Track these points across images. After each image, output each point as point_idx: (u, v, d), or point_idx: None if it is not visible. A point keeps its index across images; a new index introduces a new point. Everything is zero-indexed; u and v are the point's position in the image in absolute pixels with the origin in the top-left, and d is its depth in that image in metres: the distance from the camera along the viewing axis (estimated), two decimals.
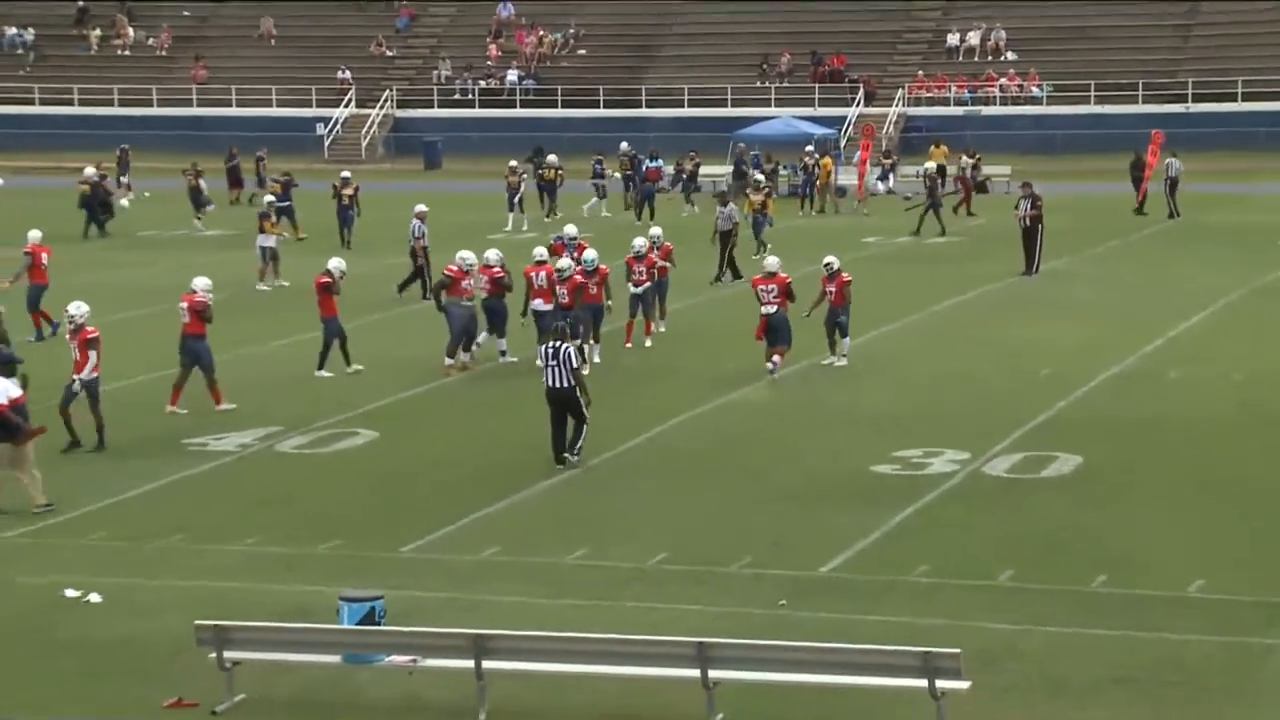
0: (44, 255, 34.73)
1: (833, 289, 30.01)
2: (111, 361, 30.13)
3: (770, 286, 29.35)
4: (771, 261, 30.04)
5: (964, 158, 58.35)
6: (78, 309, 25.32)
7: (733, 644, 15.41)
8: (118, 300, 37.90)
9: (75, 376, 24.90)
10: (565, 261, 30.59)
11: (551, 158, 57.11)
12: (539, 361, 24.92)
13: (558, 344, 23.92)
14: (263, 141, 66.06)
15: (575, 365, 23.93)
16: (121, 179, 62.96)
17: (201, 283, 28.43)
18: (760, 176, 50.57)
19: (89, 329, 25.10)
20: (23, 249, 35.14)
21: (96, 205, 52.01)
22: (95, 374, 24.96)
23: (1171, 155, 54.49)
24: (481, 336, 31.02)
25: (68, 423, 24.78)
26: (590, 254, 31.00)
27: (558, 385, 23.76)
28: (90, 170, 53.58)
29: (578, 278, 29.99)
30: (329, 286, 30.03)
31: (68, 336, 25.55)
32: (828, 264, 30.29)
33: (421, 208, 40.06)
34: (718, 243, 40.97)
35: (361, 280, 35.84)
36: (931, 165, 54.94)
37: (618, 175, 58.56)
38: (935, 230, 49.69)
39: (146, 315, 36.81)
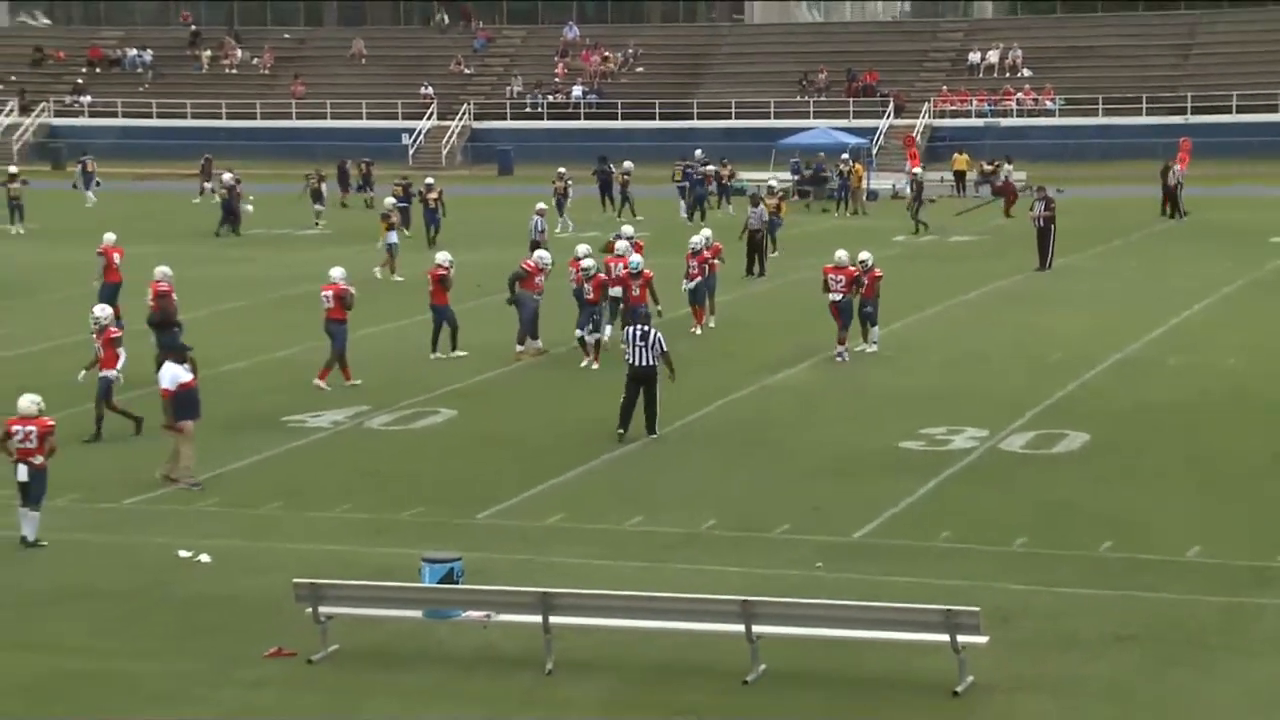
0: (116, 256, 33.90)
1: (865, 281, 29.94)
2: (217, 348, 30.41)
3: (839, 277, 29.49)
4: (842, 255, 30.08)
5: (1006, 164, 57.95)
6: (102, 311, 25.10)
7: (774, 602, 15.39)
8: (226, 292, 38.18)
9: (103, 372, 24.44)
10: (590, 261, 30.22)
11: (627, 164, 57.00)
12: (623, 343, 24.89)
13: (647, 328, 24.00)
14: (353, 150, 66.27)
15: (665, 349, 23.98)
16: (205, 185, 63.36)
17: (338, 272, 28.59)
18: (773, 183, 50.20)
19: (112, 329, 24.75)
20: (96, 250, 34.44)
21: (236, 206, 52.27)
22: (113, 371, 24.45)
23: (1166, 164, 54.15)
24: (607, 330, 30.94)
25: (123, 412, 24.45)
26: (635, 258, 30.31)
27: (642, 364, 23.81)
28: (228, 175, 53.74)
29: (602, 276, 29.74)
30: (444, 279, 30.15)
31: (93, 337, 24.97)
32: (862, 260, 30.18)
33: (541, 206, 40.33)
34: (746, 239, 40.84)
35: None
36: (917, 170, 54.44)
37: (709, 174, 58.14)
38: (922, 227, 49.48)
39: (250, 306, 37.05)
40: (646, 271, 30.05)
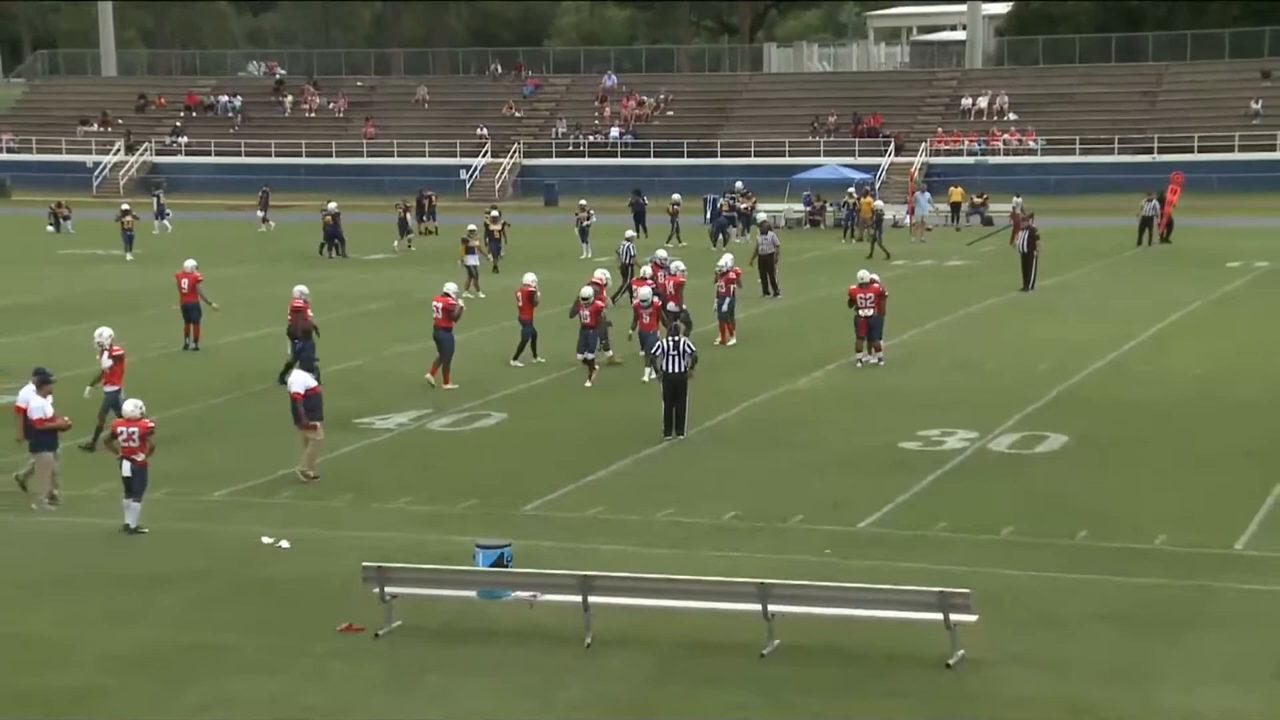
0: (184, 281, 32.94)
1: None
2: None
3: (868, 295, 29.41)
4: (864, 275, 30.03)
5: (1015, 198, 57.37)
6: (98, 334, 24.38)
7: (788, 584, 15.32)
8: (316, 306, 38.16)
9: (107, 387, 23.57)
10: (587, 290, 29.38)
11: (676, 196, 56.91)
12: (657, 350, 24.73)
13: (679, 338, 23.98)
14: (416, 185, 66.38)
15: (694, 351, 24.03)
16: (259, 213, 63.52)
17: (451, 287, 28.71)
18: (762, 216, 49.92)
19: (114, 348, 24.04)
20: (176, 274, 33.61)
21: (338, 232, 52.45)
22: (118, 386, 23.56)
23: (1146, 198, 53.76)
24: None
25: (100, 428, 23.18)
26: (644, 291, 29.60)
27: (675, 370, 23.78)
28: (333, 205, 53.84)
29: (599, 303, 29.05)
30: (533, 296, 30.13)
31: (98, 355, 24.28)
32: (871, 280, 30.10)
33: (631, 233, 40.33)
34: (757, 264, 40.53)
35: (506, 294, 35.63)
36: (880, 204, 53.73)
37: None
38: (881, 255, 48.84)
39: (325, 321, 36.94)
40: (656, 302, 29.40)
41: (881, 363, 29.78)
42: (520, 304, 30.39)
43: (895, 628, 14.98)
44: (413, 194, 62.23)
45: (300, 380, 21.87)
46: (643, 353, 28.70)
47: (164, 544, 19.03)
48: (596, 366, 28.67)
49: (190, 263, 33.76)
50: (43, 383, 20.77)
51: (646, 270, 32.37)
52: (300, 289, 29.56)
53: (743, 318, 33.93)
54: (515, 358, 30.31)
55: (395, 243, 54.58)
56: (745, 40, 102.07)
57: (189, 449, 23.78)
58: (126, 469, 19.47)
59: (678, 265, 32.85)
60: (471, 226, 45.02)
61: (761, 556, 17.95)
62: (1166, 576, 17.08)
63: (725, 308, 32.72)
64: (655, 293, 29.87)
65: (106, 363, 23.97)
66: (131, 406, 19.73)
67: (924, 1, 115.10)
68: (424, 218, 61.02)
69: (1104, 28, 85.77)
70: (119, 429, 19.60)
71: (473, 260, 41.43)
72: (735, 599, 15.21)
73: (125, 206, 55.69)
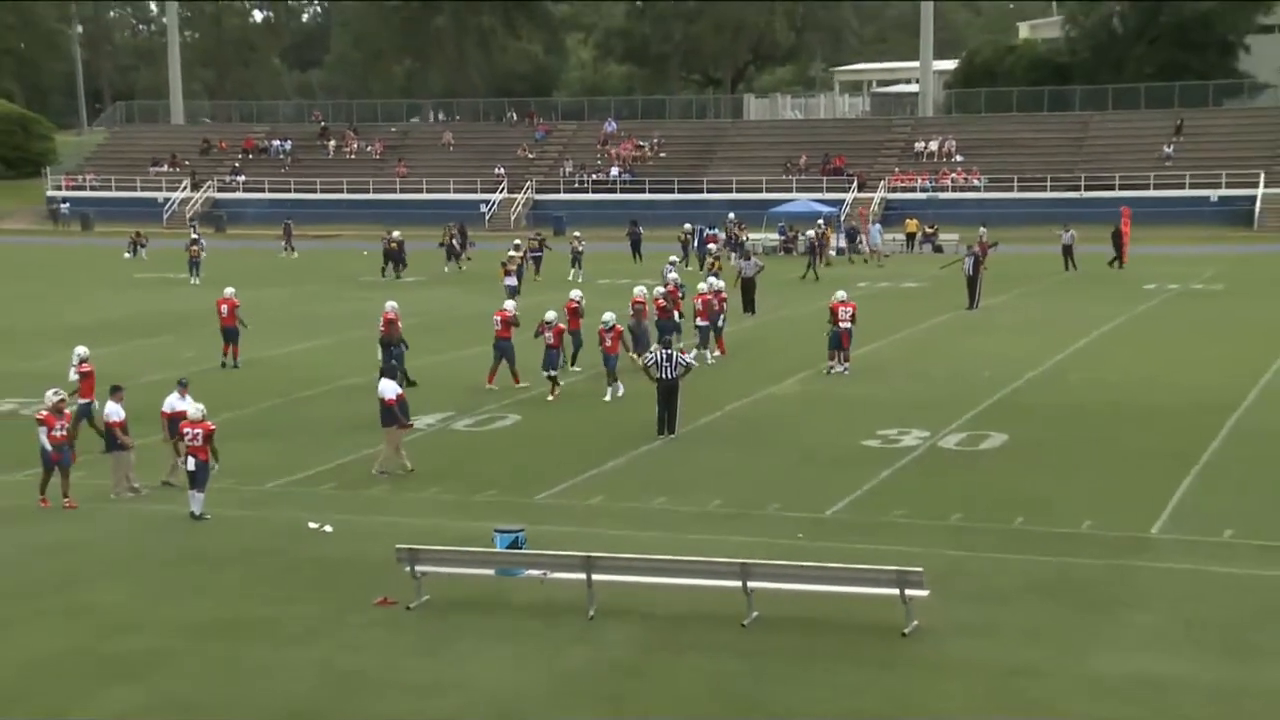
0: (223, 307, 31.94)
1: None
2: (340, 366, 30.40)
3: (848, 309, 29.45)
4: (842, 294, 30.07)
5: (981, 228, 57.07)
6: (73, 354, 23.88)
7: (765, 564, 15.31)
8: (346, 324, 38.16)
9: (81, 400, 22.89)
10: (552, 314, 28.34)
11: (686, 226, 56.79)
12: (650, 359, 24.65)
13: (670, 350, 23.99)
14: (444, 218, 66.36)
15: (687, 362, 24.11)
16: (285, 244, 63.33)
17: (510, 304, 28.73)
18: (711, 246, 49.64)
19: (85, 365, 23.38)
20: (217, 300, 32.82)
21: (402, 257, 52.41)
22: (90, 399, 22.92)
23: (1063, 229, 53.73)
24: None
25: (99, 431, 21.95)
26: (609, 315, 28.22)
27: (667, 378, 23.79)
28: (396, 233, 53.78)
29: (561, 325, 28.14)
30: (577, 310, 30.09)
31: (72, 370, 23.66)
32: (846, 297, 30.14)
33: (674, 258, 40.21)
34: (739, 286, 40.38)
35: (531, 310, 35.51)
36: (812, 232, 53.52)
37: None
38: (812, 278, 48.89)
39: (365, 336, 36.95)
40: (618, 326, 28.12)
41: (847, 372, 29.81)
42: (566, 317, 30.31)
43: (858, 601, 14.95)
44: (445, 225, 62.17)
45: (390, 388, 21.81)
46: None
47: (224, 529, 19.01)
48: (559, 382, 28.13)
49: (229, 289, 33.29)
50: (114, 390, 20.83)
51: (659, 290, 32.18)
52: (391, 304, 29.60)
53: (726, 332, 33.89)
54: (572, 363, 30.26)
55: (446, 267, 54.72)
56: (727, 91, 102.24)
57: (244, 447, 23.72)
58: (191, 464, 19.45)
59: (702, 286, 32.78)
60: (511, 253, 45.07)
61: (742, 539, 17.93)
62: (1092, 557, 17.08)
63: (719, 322, 32.70)
64: (665, 308, 29.92)
65: (74, 378, 23.45)
66: (195, 410, 19.71)
67: (882, 59, 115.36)
68: (468, 245, 60.86)
69: (1038, 82, 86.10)
70: (184, 430, 19.57)
71: (510, 281, 41.51)
72: (720, 576, 15.20)
73: (195, 236, 55.69)
